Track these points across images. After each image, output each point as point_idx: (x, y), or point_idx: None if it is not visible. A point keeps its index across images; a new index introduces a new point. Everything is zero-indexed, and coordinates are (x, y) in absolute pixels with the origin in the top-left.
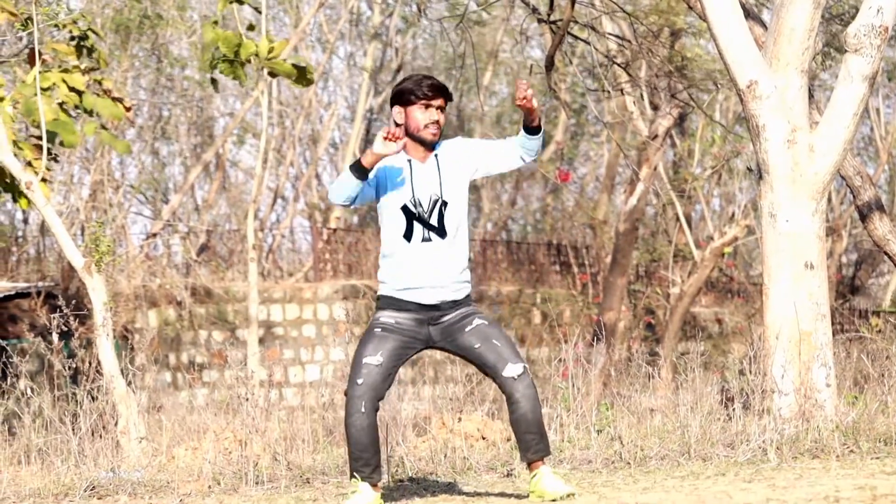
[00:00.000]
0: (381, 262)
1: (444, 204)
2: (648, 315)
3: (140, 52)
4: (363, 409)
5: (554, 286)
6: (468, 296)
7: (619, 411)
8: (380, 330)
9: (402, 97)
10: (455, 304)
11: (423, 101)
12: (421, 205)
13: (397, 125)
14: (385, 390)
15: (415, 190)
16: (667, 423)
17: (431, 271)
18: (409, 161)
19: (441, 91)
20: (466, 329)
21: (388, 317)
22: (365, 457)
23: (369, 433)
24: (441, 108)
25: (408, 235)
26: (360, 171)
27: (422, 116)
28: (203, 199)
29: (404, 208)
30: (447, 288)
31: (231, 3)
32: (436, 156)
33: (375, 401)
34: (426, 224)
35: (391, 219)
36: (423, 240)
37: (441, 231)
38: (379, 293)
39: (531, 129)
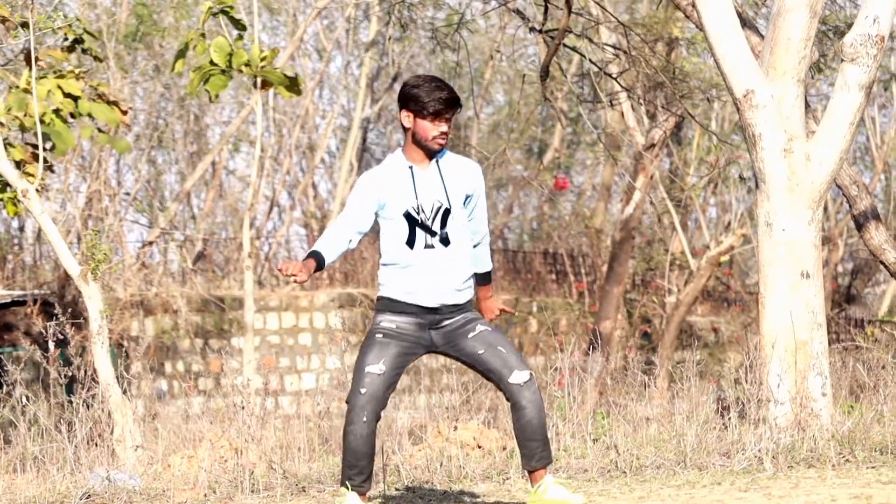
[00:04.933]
0: (381, 269)
1: (447, 211)
2: (645, 324)
3: (140, 60)
4: (365, 419)
5: (550, 295)
6: (470, 300)
7: (615, 420)
8: (381, 336)
9: (411, 105)
10: (456, 308)
11: (432, 115)
12: (423, 211)
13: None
14: (388, 399)
15: (418, 196)
16: (663, 432)
17: (433, 278)
18: (411, 168)
19: (453, 104)
20: (469, 335)
21: (388, 321)
22: (360, 465)
23: (368, 442)
24: (449, 120)
25: (410, 242)
26: (315, 269)
27: (431, 127)
28: (199, 208)
29: (407, 215)
30: (448, 293)
31: (215, 14)
32: (437, 162)
33: (378, 410)
34: (429, 231)
35: (393, 226)
36: (426, 246)
37: (444, 238)
38: (378, 294)
39: (481, 277)
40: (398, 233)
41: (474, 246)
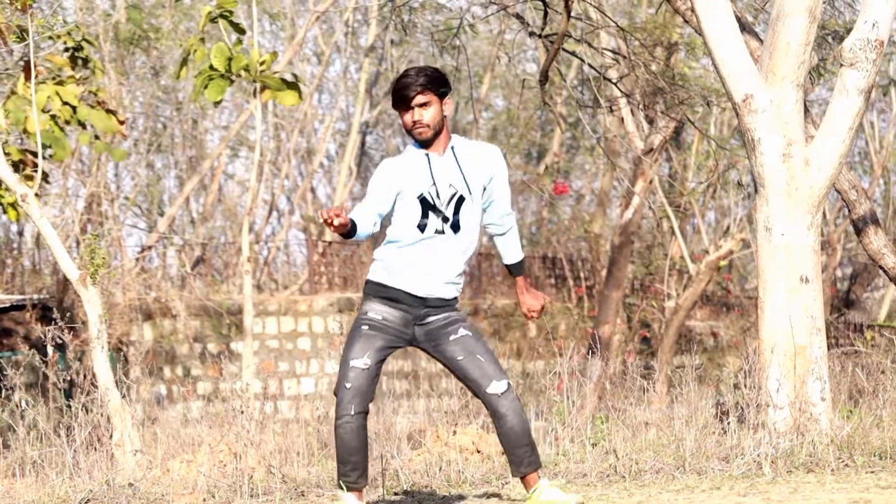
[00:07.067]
0: (381, 247)
1: (462, 198)
2: (644, 328)
3: (138, 64)
4: (353, 412)
5: (549, 299)
6: (456, 298)
7: (614, 425)
8: (367, 328)
9: (391, 100)
10: (442, 304)
11: (401, 106)
12: (440, 195)
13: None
14: (373, 392)
15: (435, 180)
16: (662, 437)
17: (432, 262)
18: (427, 155)
19: (414, 91)
20: (451, 337)
21: (375, 312)
22: (353, 461)
23: (358, 436)
24: (424, 105)
25: (422, 226)
26: (346, 234)
27: (407, 118)
28: (198, 212)
29: (421, 198)
30: (439, 282)
31: (214, 20)
32: (452, 149)
33: (365, 403)
34: (442, 216)
35: (406, 208)
36: (437, 231)
37: (455, 225)
38: (368, 276)
39: (513, 268)
40: (410, 215)
41: (502, 234)
